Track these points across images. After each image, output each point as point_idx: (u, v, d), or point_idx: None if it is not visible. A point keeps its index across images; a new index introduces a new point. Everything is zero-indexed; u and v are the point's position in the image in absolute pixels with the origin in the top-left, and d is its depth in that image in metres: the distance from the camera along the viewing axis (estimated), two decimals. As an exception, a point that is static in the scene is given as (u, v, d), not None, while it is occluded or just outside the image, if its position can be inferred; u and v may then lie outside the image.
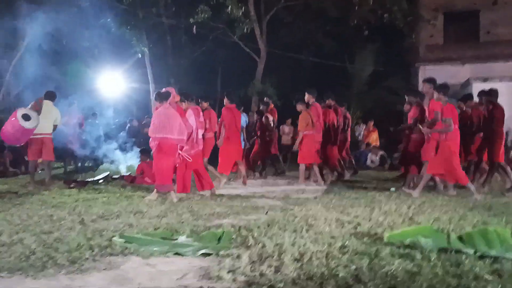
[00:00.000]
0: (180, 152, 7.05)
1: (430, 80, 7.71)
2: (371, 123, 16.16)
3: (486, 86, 9.10)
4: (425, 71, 20.11)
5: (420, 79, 20.39)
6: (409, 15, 18.21)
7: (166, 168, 6.87)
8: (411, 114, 8.01)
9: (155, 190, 7.00)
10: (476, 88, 13.89)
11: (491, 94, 8.25)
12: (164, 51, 23.28)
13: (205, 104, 8.71)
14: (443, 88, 7.20)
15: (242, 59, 22.76)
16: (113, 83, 19.74)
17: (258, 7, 19.94)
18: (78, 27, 16.67)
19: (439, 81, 7.48)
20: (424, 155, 7.57)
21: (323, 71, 23.50)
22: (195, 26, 18.20)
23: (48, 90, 9.08)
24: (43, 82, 13.44)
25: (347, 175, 10.40)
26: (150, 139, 7.03)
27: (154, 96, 7.25)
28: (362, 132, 16.75)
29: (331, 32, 22.61)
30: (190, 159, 7.11)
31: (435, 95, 7.18)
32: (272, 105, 11.43)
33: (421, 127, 7.45)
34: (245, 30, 18.46)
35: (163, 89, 7.43)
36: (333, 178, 9.79)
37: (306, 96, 9.25)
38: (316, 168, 9.13)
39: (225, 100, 8.91)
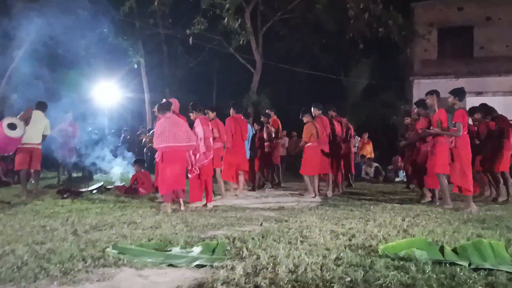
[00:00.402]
0: (193, 164, 7.15)
1: (432, 92, 7.76)
2: (366, 135, 16.22)
3: (480, 100, 9.20)
4: (420, 85, 20.29)
5: (415, 93, 20.59)
6: (404, 30, 18.40)
7: (170, 177, 6.87)
8: (420, 125, 8.07)
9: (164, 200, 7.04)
10: (470, 102, 14.04)
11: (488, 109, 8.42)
12: (160, 61, 23.36)
13: (212, 114, 8.69)
14: (459, 94, 7.18)
15: (237, 70, 22.88)
16: (108, 92, 19.75)
17: (255, 19, 20.10)
18: (75, 36, 16.68)
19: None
20: (434, 168, 7.45)
21: (319, 84, 23.64)
22: (191, 37, 18.28)
23: (39, 100, 9.18)
24: (38, 90, 13.43)
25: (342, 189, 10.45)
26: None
27: (157, 107, 7.28)
28: (357, 144, 16.79)
29: (326, 45, 22.78)
30: (198, 171, 7.19)
31: (451, 99, 7.16)
32: (274, 116, 11.47)
33: (428, 131, 7.48)
34: (241, 42, 18.57)
35: (164, 100, 7.54)
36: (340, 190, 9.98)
37: (312, 110, 9.30)
38: (330, 180, 9.17)
39: (231, 110, 9.07)
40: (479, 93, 16.77)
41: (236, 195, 9.03)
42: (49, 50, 16.09)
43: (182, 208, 6.90)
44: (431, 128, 7.50)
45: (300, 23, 21.97)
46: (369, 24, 17.96)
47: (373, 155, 15.81)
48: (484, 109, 8.78)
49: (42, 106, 9.00)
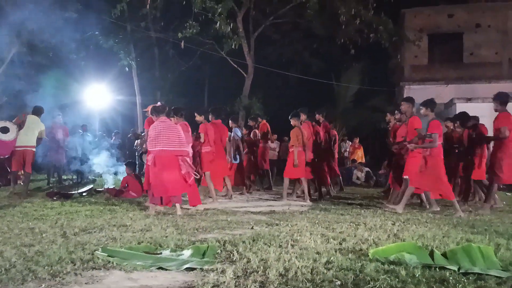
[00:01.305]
0: (189, 169, 7.08)
1: (409, 100, 7.96)
2: (357, 140, 16.30)
3: (469, 106, 9.34)
4: (410, 91, 20.46)
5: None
6: (395, 36, 18.56)
7: (164, 181, 6.80)
8: (401, 132, 8.14)
9: (150, 203, 7.01)
10: (460, 108, 14.17)
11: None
12: (151, 65, 23.34)
13: (200, 118, 8.68)
14: (430, 104, 7.33)
15: (229, 74, 22.92)
16: (99, 95, 19.65)
17: (247, 24, 20.15)
18: (65, 39, 16.58)
19: (423, 100, 7.59)
20: (406, 171, 7.62)
21: (309, 89, 23.77)
22: (183, 41, 18.26)
23: (36, 105, 9.52)
24: (27, 93, 13.34)
25: (333, 192, 10.48)
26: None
27: (151, 110, 7.24)
28: (348, 149, 16.86)
29: (318, 51, 22.92)
30: (198, 176, 7.14)
31: (423, 110, 7.31)
32: (264, 121, 11.47)
33: (407, 144, 7.54)
34: (233, 46, 18.59)
35: (158, 103, 7.50)
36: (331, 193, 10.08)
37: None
38: (304, 184, 9.12)
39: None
40: (468, 100, 16.93)
41: (230, 198, 9.07)
42: (39, 54, 16.00)
43: (179, 212, 6.76)
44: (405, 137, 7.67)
45: (291, 28, 22.10)
46: (359, 29, 18.11)
47: (364, 160, 15.88)
48: (462, 117, 8.94)
49: (37, 111, 9.34)
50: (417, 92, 21.19)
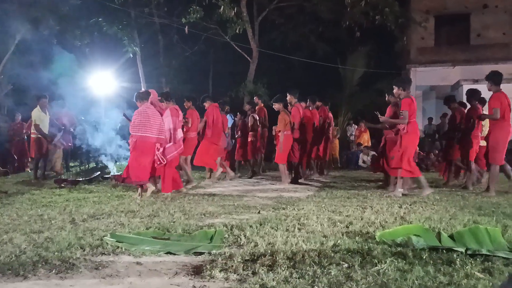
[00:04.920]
0: (157, 152, 7.16)
1: (399, 82, 7.67)
2: (363, 124, 16.23)
3: (476, 87, 9.20)
4: (416, 73, 20.30)
5: (412, 81, 20.58)
6: (401, 18, 18.33)
7: (141, 166, 6.94)
8: (387, 113, 8.13)
9: (138, 187, 7.10)
10: (467, 89, 14.03)
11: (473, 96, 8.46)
12: (155, 51, 23.25)
13: (188, 103, 8.91)
14: (403, 83, 7.38)
15: (234, 59, 22.78)
16: (104, 82, 19.62)
17: (251, 8, 19.98)
18: (70, 26, 16.55)
19: (431, 82, 7.60)
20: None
21: (315, 73, 23.57)
22: (187, 26, 18.15)
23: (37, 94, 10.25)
24: (33, 81, 13.35)
25: (315, 175, 10.70)
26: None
27: (135, 96, 7.27)
28: (353, 133, 16.80)
29: (323, 34, 22.67)
30: (164, 161, 7.20)
31: (395, 90, 7.38)
32: (261, 105, 11.42)
33: (380, 117, 7.61)
34: (237, 30, 18.47)
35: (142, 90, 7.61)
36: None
37: (288, 97, 9.29)
38: (282, 168, 9.13)
39: (207, 102, 9.52)
40: (475, 81, 16.77)
41: (230, 179, 9.63)
42: (44, 41, 15.98)
43: (148, 194, 6.95)
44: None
45: (296, 12, 21.85)
46: (365, 12, 17.90)
47: (370, 144, 15.84)
48: (453, 98, 9.14)
49: (36, 100, 9.92)
50: (424, 74, 21.05)
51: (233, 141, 11.29)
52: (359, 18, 18.21)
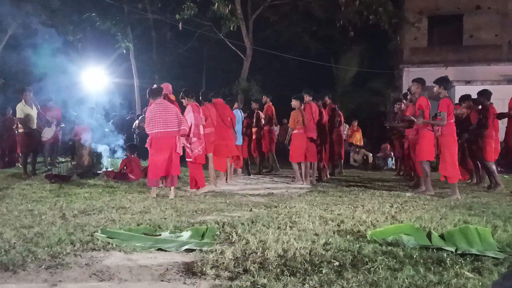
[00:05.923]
0: (186, 144, 7.16)
1: (418, 80, 7.88)
2: (355, 123, 16.26)
3: (468, 88, 9.28)
4: (409, 73, 20.37)
5: (404, 81, 20.68)
6: (394, 18, 18.39)
7: (160, 163, 6.81)
8: (408, 112, 8.16)
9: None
10: (459, 90, 14.12)
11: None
12: (149, 47, 23.15)
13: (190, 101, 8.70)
14: (443, 82, 7.18)
15: (227, 57, 22.75)
16: (96, 77, 19.48)
17: (245, 5, 19.94)
18: (62, 21, 16.41)
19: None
20: (418, 156, 7.56)
21: (308, 71, 23.60)
22: (181, 23, 18.07)
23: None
24: (24, 76, 13.23)
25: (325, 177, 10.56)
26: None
27: (147, 93, 7.21)
28: (346, 132, 16.84)
29: (316, 33, 22.70)
30: (195, 152, 7.22)
31: (436, 88, 7.16)
32: (270, 103, 11.42)
33: (414, 119, 7.47)
34: (231, 28, 18.42)
35: (154, 86, 7.50)
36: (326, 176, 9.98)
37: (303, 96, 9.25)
38: (303, 167, 9.05)
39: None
40: (467, 82, 16.88)
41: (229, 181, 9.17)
42: (36, 35, 15.83)
43: (172, 196, 6.74)
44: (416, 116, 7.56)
45: (290, 10, 21.85)
46: (359, 11, 17.93)
47: (362, 143, 15.89)
48: (467, 97, 8.93)
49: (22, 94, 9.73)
50: (416, 74, 20.94)
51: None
52: (352, 17, 18.24)
